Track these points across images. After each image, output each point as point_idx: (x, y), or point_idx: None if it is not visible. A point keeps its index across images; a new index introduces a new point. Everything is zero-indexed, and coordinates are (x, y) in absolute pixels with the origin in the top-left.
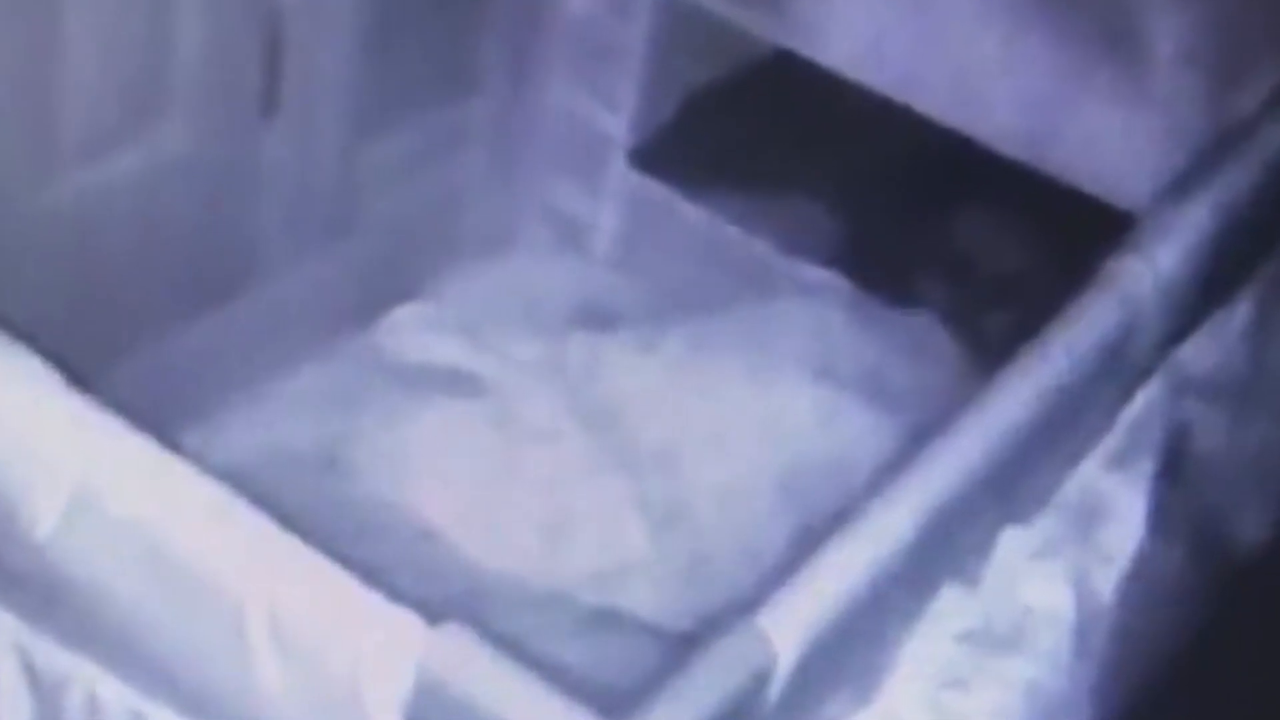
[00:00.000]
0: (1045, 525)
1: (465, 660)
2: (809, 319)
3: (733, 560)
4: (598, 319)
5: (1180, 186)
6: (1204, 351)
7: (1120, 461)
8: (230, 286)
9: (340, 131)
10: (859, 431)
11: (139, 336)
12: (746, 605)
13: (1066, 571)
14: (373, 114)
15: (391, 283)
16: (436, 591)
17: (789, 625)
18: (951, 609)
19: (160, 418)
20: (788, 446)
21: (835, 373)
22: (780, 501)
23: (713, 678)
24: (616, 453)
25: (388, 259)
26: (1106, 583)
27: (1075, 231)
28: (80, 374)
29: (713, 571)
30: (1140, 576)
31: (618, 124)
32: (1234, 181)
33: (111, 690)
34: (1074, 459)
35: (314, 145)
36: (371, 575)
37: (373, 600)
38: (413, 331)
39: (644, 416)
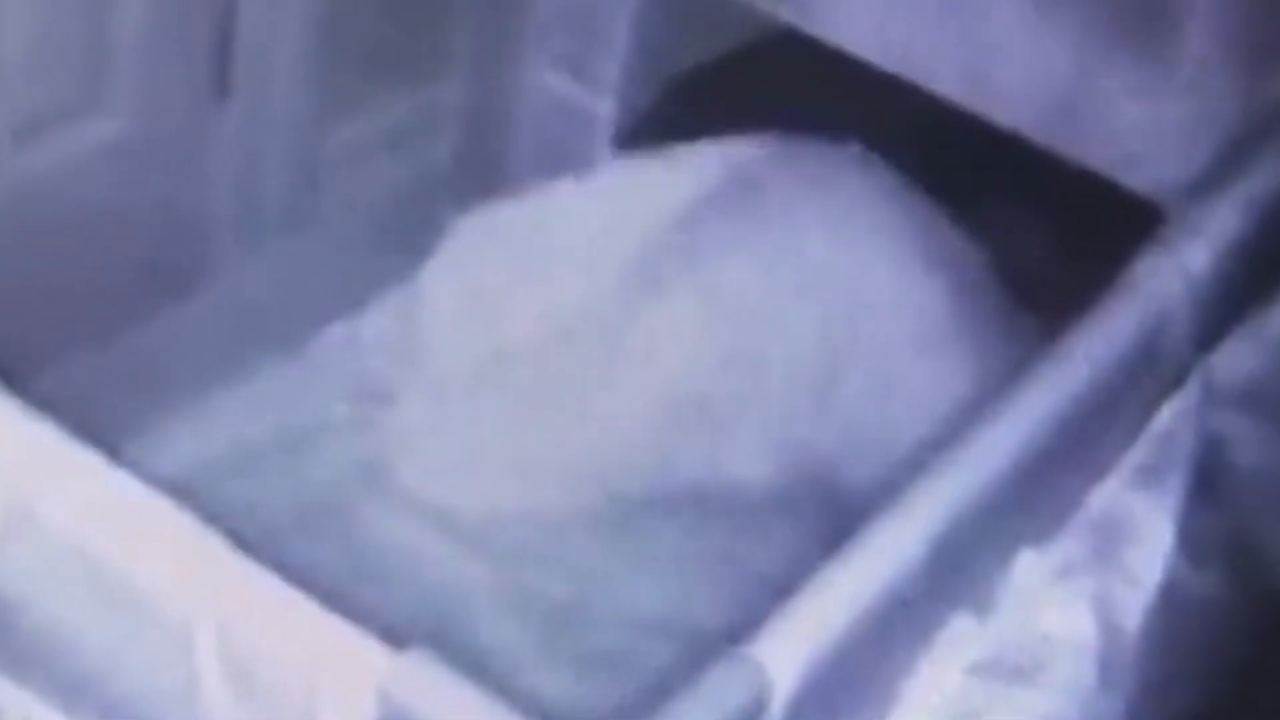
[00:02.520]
0: (1065, 546)
1: (430, 688)
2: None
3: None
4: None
5: (1211, 179)
6: (1239, 358)
7: (1148, 477)
8: (182, 282)
9: (299, 115)
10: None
11: (82, 337)
12: (741, 632)
13: (1088, 596)
14: (335, 96)
15: (357, 278)
16: (413, 599)
17: (786, 654)
18: (963, 637)
19: (103, 426)
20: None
21: None
22: None
23: (702, 710)
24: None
25: (353, 252)
26: (1132, 609)
27: (1096, 221)
28: (17, 377)
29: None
30: (1169, 602)
31: (603, 106)
32: (1270, 173)
33: (48, 719)
34: (1097, 474)
35: (271, 130)
36: (331, 595)
37: (332, 623)
38: (381, 329)
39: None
